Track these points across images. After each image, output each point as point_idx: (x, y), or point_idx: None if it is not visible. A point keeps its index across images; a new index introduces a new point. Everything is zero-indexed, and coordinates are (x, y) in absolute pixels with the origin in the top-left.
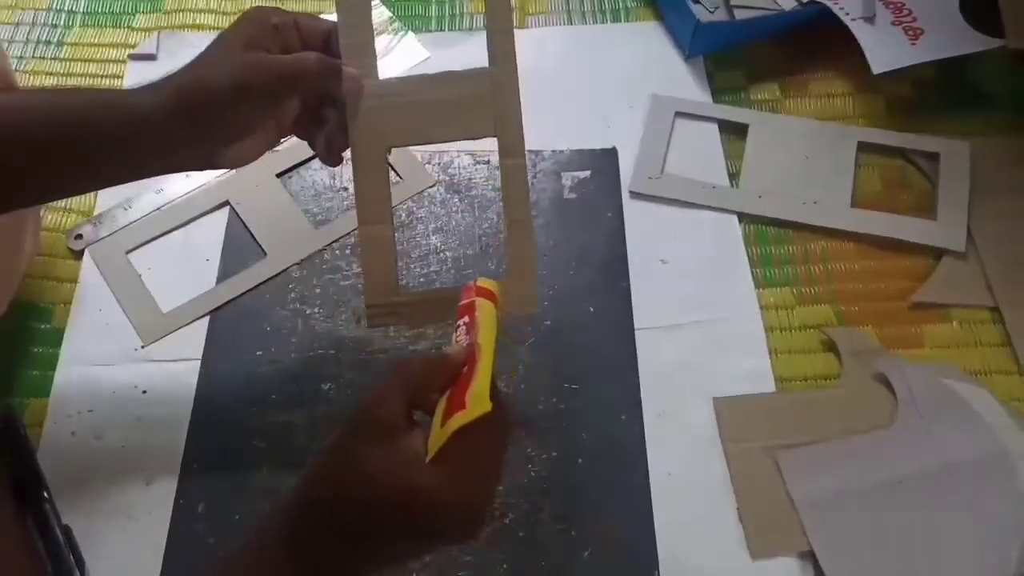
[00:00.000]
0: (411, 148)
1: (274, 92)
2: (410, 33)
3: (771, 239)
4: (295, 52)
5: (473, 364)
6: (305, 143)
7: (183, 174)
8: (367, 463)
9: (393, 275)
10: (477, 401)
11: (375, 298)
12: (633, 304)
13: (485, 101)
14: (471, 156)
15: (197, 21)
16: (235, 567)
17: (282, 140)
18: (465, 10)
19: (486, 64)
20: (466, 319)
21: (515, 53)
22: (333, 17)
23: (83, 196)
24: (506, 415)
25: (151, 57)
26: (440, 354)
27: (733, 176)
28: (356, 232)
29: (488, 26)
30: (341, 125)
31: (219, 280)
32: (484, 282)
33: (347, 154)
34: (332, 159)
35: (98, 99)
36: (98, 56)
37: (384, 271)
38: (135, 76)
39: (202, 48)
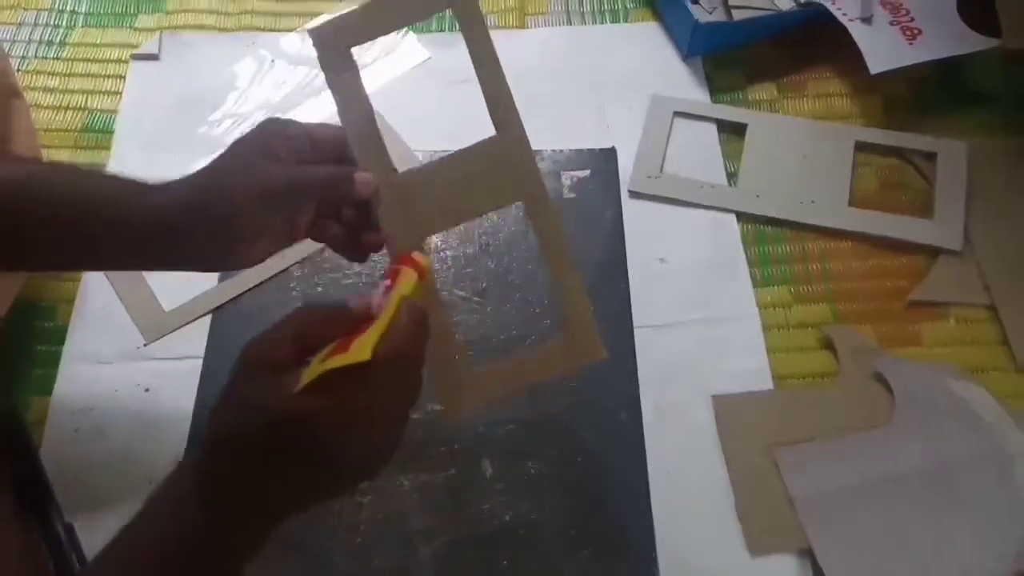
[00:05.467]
0: (409, 145)
1: (293, 200)
2: (411, 34)
3: (769, 238)
4: (308, 161)
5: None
6: None
7: None
8: (255, 399)
9: (464, 360)
10: (359, 348)
11: (450, 391)
12: (632, 303)
13: (503, 171)
14: None
15: (199, 22)
16: (149, 518)
17: (293, 243)
18: None
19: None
20: (388, 282)
21: (520, 120)
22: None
23: None
24: (404, 377)
25: (153, 57)
26: (340, 305)
27: (731, 176)
28: None
29: (486, 95)
30: (366, 224)
31: (221, 279)
32: (419, 256)
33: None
34: (361, 255)
35: (117, 188)
36: (100, 56)
37: (451, 359)
38: (137, 77)
39: (204, 49)
